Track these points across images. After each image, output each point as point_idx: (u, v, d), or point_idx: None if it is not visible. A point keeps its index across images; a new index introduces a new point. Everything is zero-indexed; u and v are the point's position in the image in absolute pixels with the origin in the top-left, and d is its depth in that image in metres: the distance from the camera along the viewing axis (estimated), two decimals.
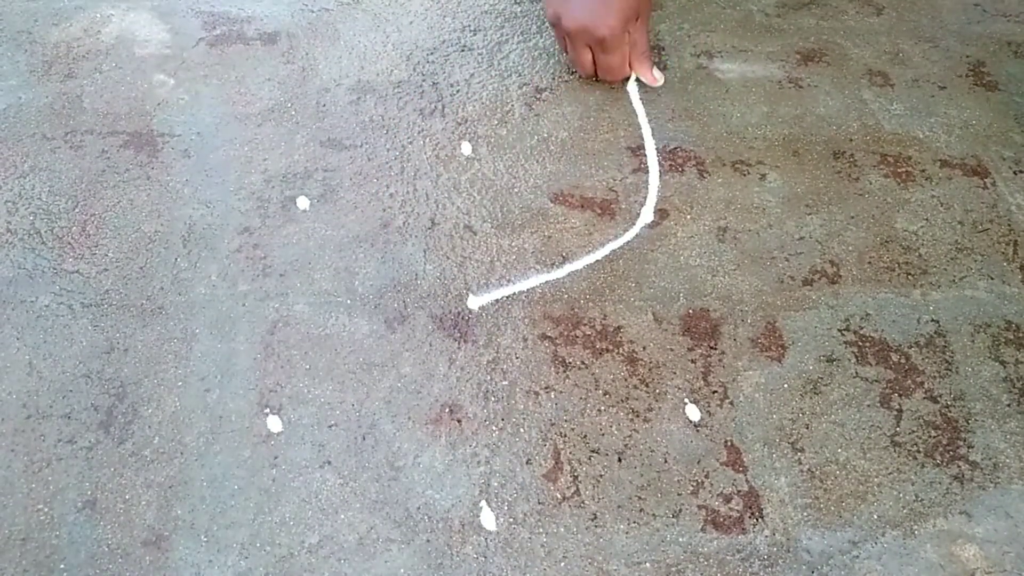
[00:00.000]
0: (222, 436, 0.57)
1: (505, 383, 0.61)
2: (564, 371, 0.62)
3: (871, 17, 0.95)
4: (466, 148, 0.77)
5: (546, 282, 0.67)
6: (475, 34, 0.90)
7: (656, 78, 0.80)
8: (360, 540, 0.53)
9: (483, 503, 0.55)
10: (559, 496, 0.55)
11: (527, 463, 0.57)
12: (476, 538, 0.53)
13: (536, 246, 0.70)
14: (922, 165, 0.79)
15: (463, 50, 0.88)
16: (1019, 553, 0.54)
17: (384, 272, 0.67)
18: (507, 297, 0.66)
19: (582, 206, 0.73)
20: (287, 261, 0.68)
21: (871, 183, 0.77)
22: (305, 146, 0.77)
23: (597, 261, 0.69)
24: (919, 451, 0.59)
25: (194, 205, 0.72)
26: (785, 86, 0.86)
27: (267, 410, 0.59)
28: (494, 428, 0.59)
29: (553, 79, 0.85)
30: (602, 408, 0.60)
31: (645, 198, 0.74)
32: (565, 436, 0.58)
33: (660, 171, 0.77)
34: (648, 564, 0.52)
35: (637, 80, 0.85)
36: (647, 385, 0.61)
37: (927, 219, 0.74)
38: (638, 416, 0.60)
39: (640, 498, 0.56)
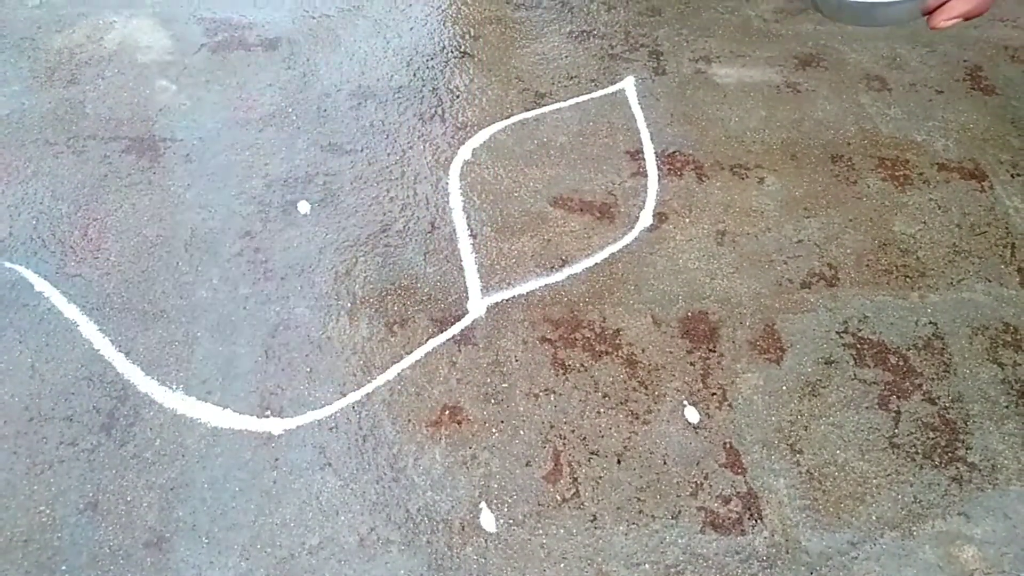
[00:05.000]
0: (223, 438, 0.57)
1: (505, 385, 0.61)
2: (564, 373, 0.62)
3: None
4: (466, 153, 0.78)
5: (546, 285, 0.67)
6: (475, 40, 0.91)
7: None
8: (361, 541, 0.53)
9: (483, 505, 0.55)
10: (559, 498, 0.56)
11: (527, 465, 0.57)
12: (476, 539, 0.53)
13: (536, 249, 0.70)
14: (920, 169, 0.79)
15: (463, 56, 0.89)
16: (1017, 554, 0.54)
17: (384, 275, 0.67)
18: (507, 300, 0.66)
19: (581, 210, 0.73)
20: (288, 265, 0.68)
21: (869, 187, 0.77)
22: (306, 151, 0.77)
23: (596, 264, 0.69)
24: (918, 453, 0.59)
25: (196, 209, 0.72)
26: (783, 91, 0.87)
27: (268, 412, 0.59)
28: (494, 430, 0.59)
29: (553, 84, 0.86)
30: (601, 410, 0.60)
31: (644, 202, 0.74)
32: (565, 438, 0.58)
33: (659, 175, 0.77)
34: (647, 565, 0.53)
35: (636, 85, 0.86)
36: (646, 387, 0.61)
37: (925, 222, 0.74)
38: (637, 418, 0.60)
39: (639, 500, 0.56)
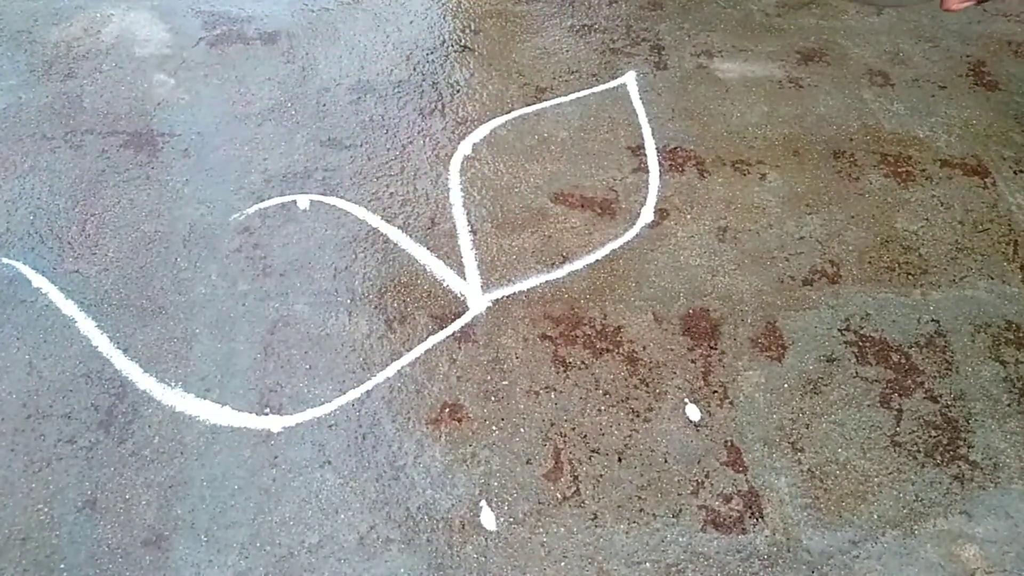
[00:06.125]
0: (222, 436, 0.57)
1: (505, 383, 0.61)
2: (564, 371, 0.62)
3: (871, 17, 0.95)
4: (466, 148, 0.77)
5: (546, 282, 0.67)
6: (476, 34, 0.90)
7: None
8: (360, 540, 0.53)
9: (483, 503, 0.55)
10: (559, 496, 0.55)
11: (527, 463, 0.57)
12: (476, 538, 0.53)
13: (536, 246, 0.70)
14: (922, 165, 0.79)
15: (463, 50, 0.88)
16: (1019, 553, 0.54)
17: (384, 272, 0.67)
18: (507, 297, 0.66)
19: (582, 206, 0.73)
20: (287, 261, 0.68)
21: (871, 183, 0.77)
22: (305, 146, 0.77)
23: (597, 261, 0.69)
24: (919, 451, 0.59)
25: (194, 205, 0.71)
26: (785, 86, 0.86)
27: (267, 410, 0.58)
28: (494, 428, 0.58)
29: (554, 79, 0.85)
30: (602, 408, 0.60)
31: (645, 198, 0.74)
32: (565, 436, 0.58)
33: (660, 171, 0.77)
34: (648, 564, 0.52)
35: (637, 80, 0.85)
36: (647, 385, 0.61)
37: (927, 219, 0.74)
38: (638, 416, 0.59)
39: (640, 498, 0.56)
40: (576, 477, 0.57)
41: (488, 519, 0.54)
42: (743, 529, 0.55)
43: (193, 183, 0.73)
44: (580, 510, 0.55)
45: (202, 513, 0.54)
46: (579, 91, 0.84)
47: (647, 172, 0.76)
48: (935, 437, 0.60)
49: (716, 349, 0.64)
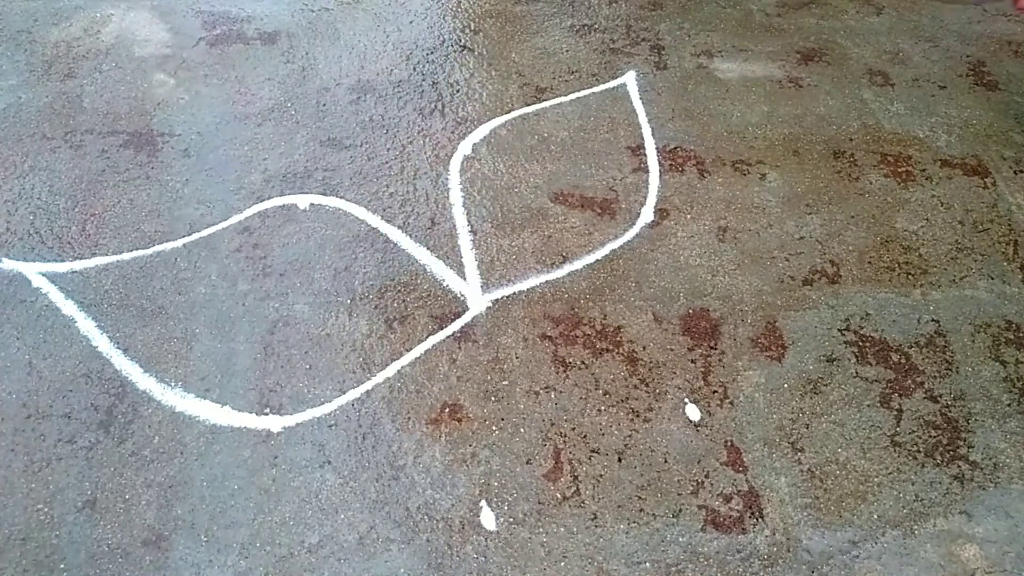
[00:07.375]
0: (222, 436, 0.57)
1: (505, 383, 0.61)
2: (564, 371, 0.62)
3: (871, 17, 0.95)
4: (466, 148, 0.77)
5: (546, 282, 0.67)
6: (476, 34, 0.90)
7: None
8: (360, 540, 0.53)
9: (483, 503, 0.55)
10: (559, 496, 0.55)
11: (527, 463, 0.57)
12: (476, 538, 0.53)
13: (536, 246, 0.70)
14: (922, 165, 0.79)
15: (463, 50, 0.88)
16: (1019, 553, 0.54)
17: (384, 272, 0.67)
18: (507, 297, 0.66)
19: (582, 206, 0.73)
20: (287, 261, 0.68)
21: (871, 183, 0.77)
22: (305, 146, 0.77)
23: (597, 261, 0.69)
24: (919, 451, 0.59)
25: (194, 205, 0.72)
26: (785, 86, 0.86)
27: (267, 410, 0.58)
28: (494, 428, 0.59)
29: (554, 79, 0.85)
30: (602, 408, 0.60)
31: (645, 198, 0.74)
32: (565, 436, 0.58)
33: (660, 171, 0.77)
34: (648, 564, 0.52)
35: (637, 80, 0.85)
36: (647, 385, 0.61)
37: (927, 219, 0.74)
38: (638, 416, 0.60)
39: (640, 498, 0.56)
40: (576, 477, 0.57)
41: (488, 519, 0.54)
42: (743, 529, 0.55)
43: (193, 183, 0.73)
44: (580, 510, 0.55)
45: (202, 513, 0.54)
46: (579, 91, 0.84)
47: (647, 172, 0.77)
48: (935, 437, 0.60)
49: (716, 349, 0.64)
